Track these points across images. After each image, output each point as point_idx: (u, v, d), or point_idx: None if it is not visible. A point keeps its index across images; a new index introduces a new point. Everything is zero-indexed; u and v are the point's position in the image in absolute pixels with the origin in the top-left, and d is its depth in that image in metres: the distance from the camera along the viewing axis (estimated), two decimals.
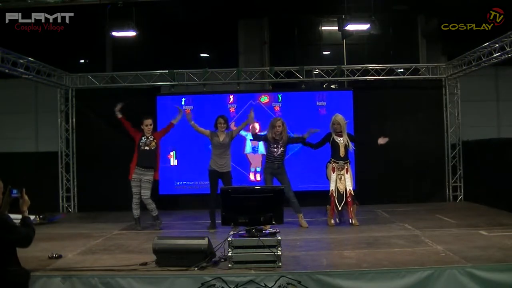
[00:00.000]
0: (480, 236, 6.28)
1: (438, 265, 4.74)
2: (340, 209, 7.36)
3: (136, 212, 7.57)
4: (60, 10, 8.00)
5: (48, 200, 9.97)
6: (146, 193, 7.44)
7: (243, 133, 8.98)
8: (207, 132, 7.62)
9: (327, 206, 7.50)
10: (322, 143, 7.58)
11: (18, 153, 10.64)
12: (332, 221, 7.48)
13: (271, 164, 7.46)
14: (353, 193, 7.38)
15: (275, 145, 7.44)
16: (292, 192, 7.42)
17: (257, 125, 9.76)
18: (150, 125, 7.52)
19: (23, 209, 3.97)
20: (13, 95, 10.95)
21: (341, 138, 7.41)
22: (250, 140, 9.65)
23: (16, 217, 3.96)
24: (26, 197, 4.00)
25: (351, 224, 7.42)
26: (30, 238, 3.89)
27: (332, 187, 7.36)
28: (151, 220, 7.77)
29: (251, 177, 9.97)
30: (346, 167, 7.42)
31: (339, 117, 7.45)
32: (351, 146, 7.45)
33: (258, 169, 9.89)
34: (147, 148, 7.46)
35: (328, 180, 7.51)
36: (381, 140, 7.53)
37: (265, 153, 7.94)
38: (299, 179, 9.25)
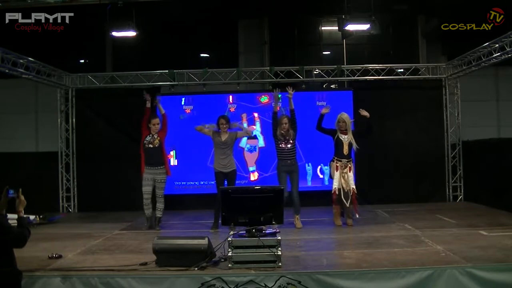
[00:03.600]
0: (480, 236, 6.28)
1: (438, 265, 4.75)
2: (347, 206, 7.31)
3: (147, 212, 7.64)
4: (60, 10, 8.00)
5: (48, 200, 9.98)
6: (161, 192, 7.63)
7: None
8: (210, 132, 7.63)
9: (334, 205, 7.47)
10: (325, 130, 7.51)
11: (18, 153, 10.62)
12: (339, 221, 7.44)
13: (284, 161, 7.44)
14: (356, 192, 7.36)
15: (284, 142, 7.43)
16: (297, 192, 7.40)
17: (254, 127, 9.77)
18: (158, 124, 7.65)
19: (19, 210, 3.98)
20: (13, 95, 10.94)
21: (346, 136, 7.41)
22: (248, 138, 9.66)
23: (13, 217, 3.97)
24: (22, 197, 4.01)
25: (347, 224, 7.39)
26: (25, 239, 3.90)
27: (336, 185, 7.33)
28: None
29: (252, 177, 9.96)
30: (349, 165, 7.40)
31: (344, 115, 7.46)
32: (355, 145, 7.42)
33: (251, 169, 9.89)
34: (151, 146, 7.56)
35: (331, 178, 7.50)
36: (363, 112, 7.49)
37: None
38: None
